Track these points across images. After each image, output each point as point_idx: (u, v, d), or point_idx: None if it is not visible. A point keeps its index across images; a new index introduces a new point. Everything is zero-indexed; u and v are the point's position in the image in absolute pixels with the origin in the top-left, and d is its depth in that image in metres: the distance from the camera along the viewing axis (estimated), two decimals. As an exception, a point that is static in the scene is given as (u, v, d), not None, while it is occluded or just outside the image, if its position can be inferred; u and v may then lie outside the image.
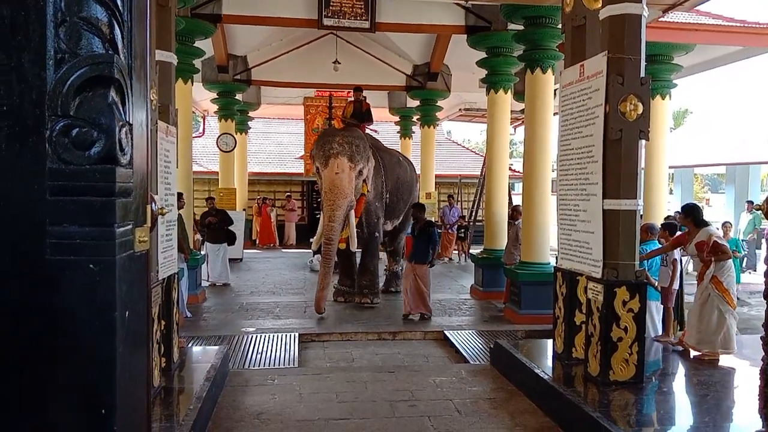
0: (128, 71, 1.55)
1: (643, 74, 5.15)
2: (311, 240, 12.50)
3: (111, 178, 1.52)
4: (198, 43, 10.48)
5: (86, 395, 1.56)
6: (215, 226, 11.68)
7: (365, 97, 11.09)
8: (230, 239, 12.06)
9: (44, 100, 1.49)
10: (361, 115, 10.67)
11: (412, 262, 9.00)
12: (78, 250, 1.54)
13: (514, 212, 10.23)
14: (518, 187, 23.75)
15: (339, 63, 13.53)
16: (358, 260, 10.42)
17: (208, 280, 11.64)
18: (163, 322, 5.08)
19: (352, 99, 11.01)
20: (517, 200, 13.79)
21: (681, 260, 7.22)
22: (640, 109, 5.11)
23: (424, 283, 8.88)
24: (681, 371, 6.11)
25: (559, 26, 8.26)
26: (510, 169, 11.90)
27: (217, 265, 11.76)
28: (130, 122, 1.58)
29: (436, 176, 19.06)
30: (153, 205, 1.80)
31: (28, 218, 1.52)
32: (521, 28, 9.12)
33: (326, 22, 10.29)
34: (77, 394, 1.56)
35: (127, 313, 1.59)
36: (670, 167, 14.01)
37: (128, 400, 1.62)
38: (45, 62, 1.48)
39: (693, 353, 6.21)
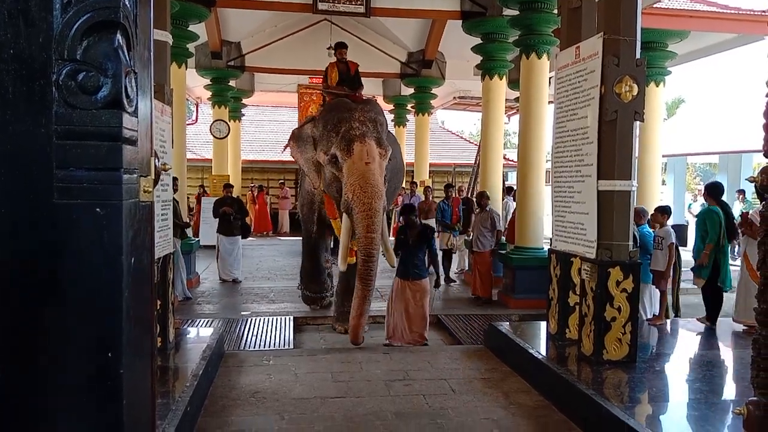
0: (133, 18, 1.56)
1: (638, 56, 5.18)
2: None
3: (117, 123, 1.53)
4: (192, 29, 10.43)
5: (93, 339, 1.58)
6: (230, 216, 10.58)
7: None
8: (245, 232, 11.01)
9: (51, 44, 1.50)
10: (351, 80, 8.02)
11: (409, 279, 6.96)
12: (85, 194, 1.55)
13: (482, 198, 9.77)
14: (511, 176, 23.85)
15: (333, 49, 13.47)
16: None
17: (219, 278, 10.81)
18: (158, 302, 5.08)
19: (334, 60, 8.23)
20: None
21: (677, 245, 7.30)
22: (635, 91, 5.14)
23: (424, 303, 7.01)
24: (674, 351, 6.18)
25: (555, 11, 8.31)
26: (504, 158, 11.85)
27: (228, 260, 10.74)
28: (135, 70, 1.59)
29: (430, 165, 19.12)
30: (156, 160, 1.82)
31: (35, 162, 1.53)
32: (516, 13, 9.12)
33: (321, 6, 10.27)
34: (84, 337, 1.57)
35: (132, 260, 1.61)
36: (663, 156, 14.07)
37: (134, 344, 1.64)
38: (52, 6, 1.49)
39: (742, 327, 6.49)
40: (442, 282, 7.12)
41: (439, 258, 8.77)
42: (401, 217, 7.16)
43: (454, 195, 11.71)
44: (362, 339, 6.76)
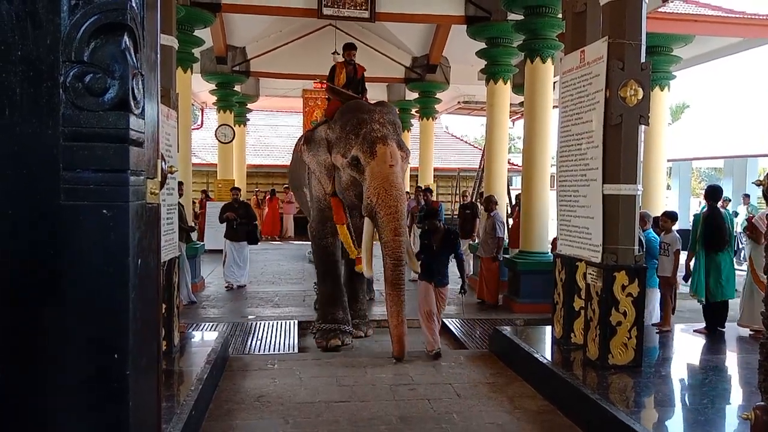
0: (140, 21, 1.57)
1: (643, 59, 5.17)
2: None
3: (124, 125, 1.54)
4: (197, 34, 10.48)
5: (99, 339, 1.58)
6: (235, 222, 10.34)
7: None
8: (251, 238, 10.57)
9: (58, 46, 1.51)
10: (356, 83, 7.88)
11: (432, 284, 6.75)
12: (91, 195, 1.55)
13: (488, 203, 9.76)
14: (516, 181, 23.84)
15: (338, 54, 13.49)
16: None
17: (225, 283, 10.52)
18: (163, 306, 5.09)
19: (342, 60, 8.07)
20: (514, 194, 13.80)
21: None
22: (641, 95, 5.13)
23: (440, 311, 6.88)
24: (680, 356, 6.15)
25: (559, 15, 8.31)
26: (508, 162, 11.80)
27: (230, 265, 10.46)
28: (142, 72, 1.60)
29: (435, 169, 19.10)
30: (163, 163, 1.82)
31: (42, 163, 1.54)
32: (521, 17, 9.12)
33: (326, 11, 10.29)
34: (90, 338, 1.57)
35: (139, 261, 1.61)
36: (668, 161, 14.03)
37: (141, 346, 1.64)
38: (59, 8, 1.50)
39: (748, 331, 6.45)
40: (467, 288, 7.09)
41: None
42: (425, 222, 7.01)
43: (432, 199, 11.67)
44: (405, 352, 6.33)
